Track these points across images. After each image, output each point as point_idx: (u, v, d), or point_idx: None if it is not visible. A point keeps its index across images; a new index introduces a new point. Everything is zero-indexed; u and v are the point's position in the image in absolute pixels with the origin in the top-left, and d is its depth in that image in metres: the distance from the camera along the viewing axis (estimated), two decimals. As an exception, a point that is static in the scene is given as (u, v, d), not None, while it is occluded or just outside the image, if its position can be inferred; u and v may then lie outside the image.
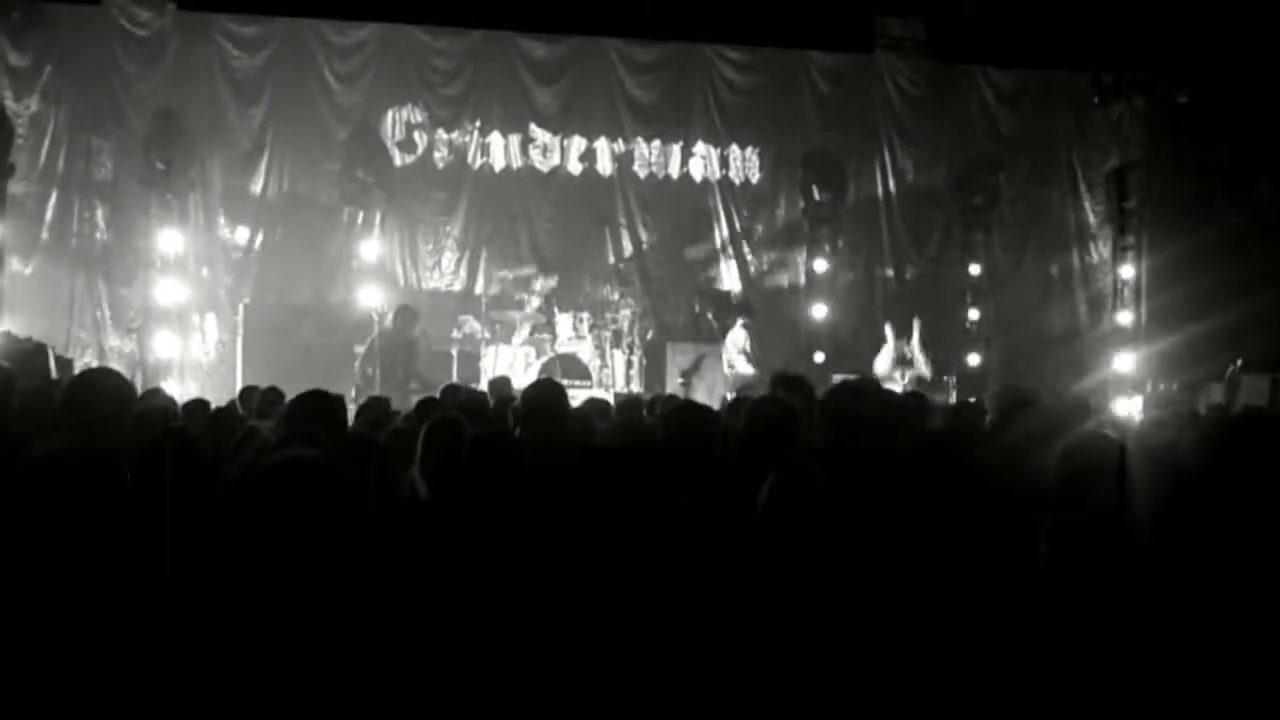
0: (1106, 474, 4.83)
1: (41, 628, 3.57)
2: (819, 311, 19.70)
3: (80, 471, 3.86)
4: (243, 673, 3.45)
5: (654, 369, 18.29)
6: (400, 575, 4.50)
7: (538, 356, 17.72)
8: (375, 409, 9.85)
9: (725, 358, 18.23)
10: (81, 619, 3.60)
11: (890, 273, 20.75)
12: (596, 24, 19.16)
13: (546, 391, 7.16)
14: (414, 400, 12.84)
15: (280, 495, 3.64)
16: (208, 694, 3.46)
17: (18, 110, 17.48)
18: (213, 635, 3.50)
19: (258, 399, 9.77)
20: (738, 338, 18.41)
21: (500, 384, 12.96)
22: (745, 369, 17.88)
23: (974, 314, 20.15)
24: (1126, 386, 19.10)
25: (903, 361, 18.48)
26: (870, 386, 6.46)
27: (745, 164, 20.54)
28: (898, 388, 16.98)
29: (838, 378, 15.95)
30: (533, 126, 19.92)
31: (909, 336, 18.59)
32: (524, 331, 18.05)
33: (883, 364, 18.36)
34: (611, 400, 13.00)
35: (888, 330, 18.64)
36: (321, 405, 6.06)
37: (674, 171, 20.39)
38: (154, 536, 3.98)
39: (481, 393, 12.07)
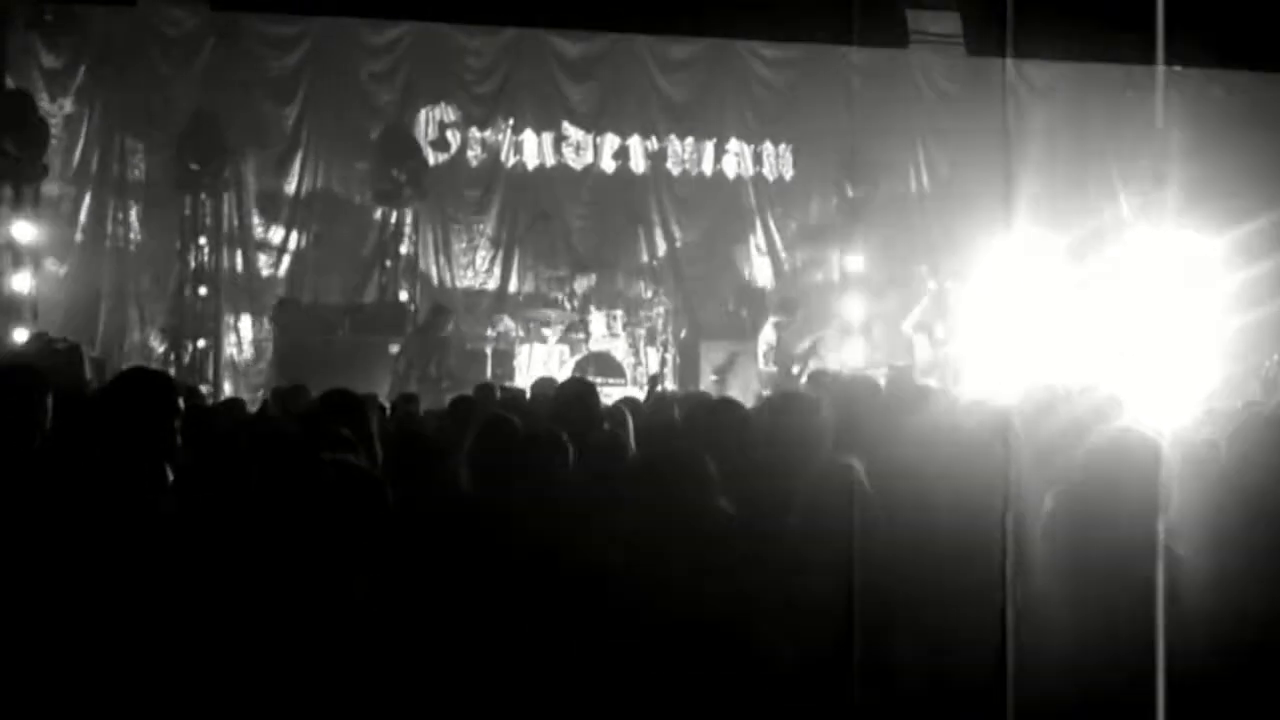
0: (1140, 474, 4.76)
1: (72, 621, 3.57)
2: (854, 309, 19.59)
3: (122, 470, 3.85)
4: (271, 666, 3.43)
5: (688, 367, 18.25)
6: (436, 570, 4.48)
7: (572, 355, 17.70)
8: (408, 406, 9.86)
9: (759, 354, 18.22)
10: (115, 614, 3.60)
11: (925, 269, 20.66)
12: (629, 21, 19.15)
13: (575, 391, 7.12)
14: (447, 399, 12.84)
15: (307, 497, 3.62)
16: (236, 687, 3.45)
17: (52, 111, 17.54)
18: (241, 634, 3.48)
19: (280, 399, 9.79)
20: (767, 336, 18.38)
21: (545, 384, 12.95)
22: (769, 368, 17.80)
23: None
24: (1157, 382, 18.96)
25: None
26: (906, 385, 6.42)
27: (779, 161, 20.49)
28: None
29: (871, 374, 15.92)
30: (566, 124, 19.90)
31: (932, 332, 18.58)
32: (558, 330, 18.03)
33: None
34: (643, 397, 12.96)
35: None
36: (347, 404, 6.05)
37: (707, 169, 20.34)
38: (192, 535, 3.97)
39: (519, 390, 12.07)
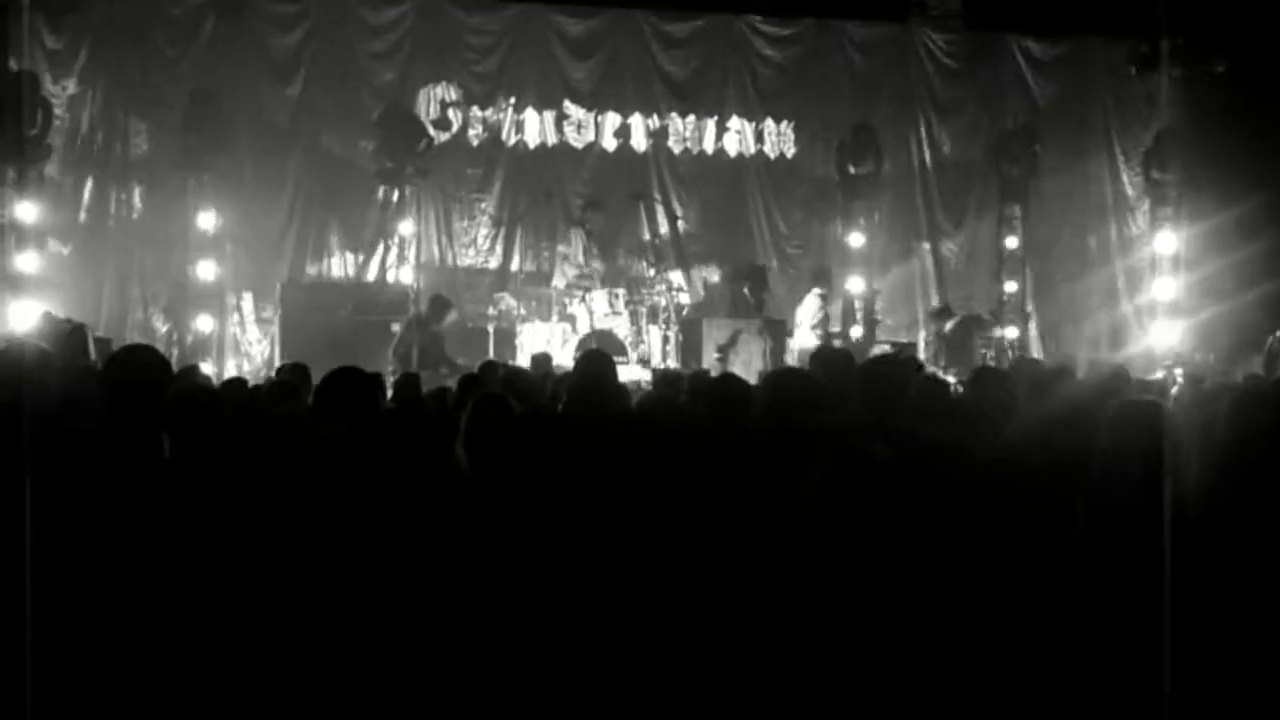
0: (1154, 442, 4.82)
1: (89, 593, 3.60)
2: (855, 285, 19.58)
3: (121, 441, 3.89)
4: (280, 645, 3.46)
5: (690, 345, 18.28)
6: (443, 550, 4.51)
7: (574, 332, 17.73)
8: (411, 386, 9.89)
9: (798, 325, 18.42)
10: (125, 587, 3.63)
11: (927, 246, 20.68)
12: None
13: (594, 363, 7.11)
14: (450, 383, 12.89)
15: (318, 472, 3.66)
16: (241, 664, 3.49)
17: (55, 92, 17.52)
18: (250, 609, 3.52)
19: (280, 377, 9.81)
20: (810, 307, 18.51)
21: (541, 360, 13.00)
22: (810, 341, 17.84)
23: (1011, 286, 20.07)
24: (1165, 358, 19.00)
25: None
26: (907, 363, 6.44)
27: (780, 138, 20.49)
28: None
29: (875, 351, 16.00)
30: (567, 103, 19.90)
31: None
32: (560, 307, 18.06)
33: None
34: (647, 376, 12.99)
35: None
36: (351, 383, 6.06)
37: (709, 146, 20.34)
38: (189, 511, 4.00)
39: (522, 367, 12.12)
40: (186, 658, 3.51)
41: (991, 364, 17.15)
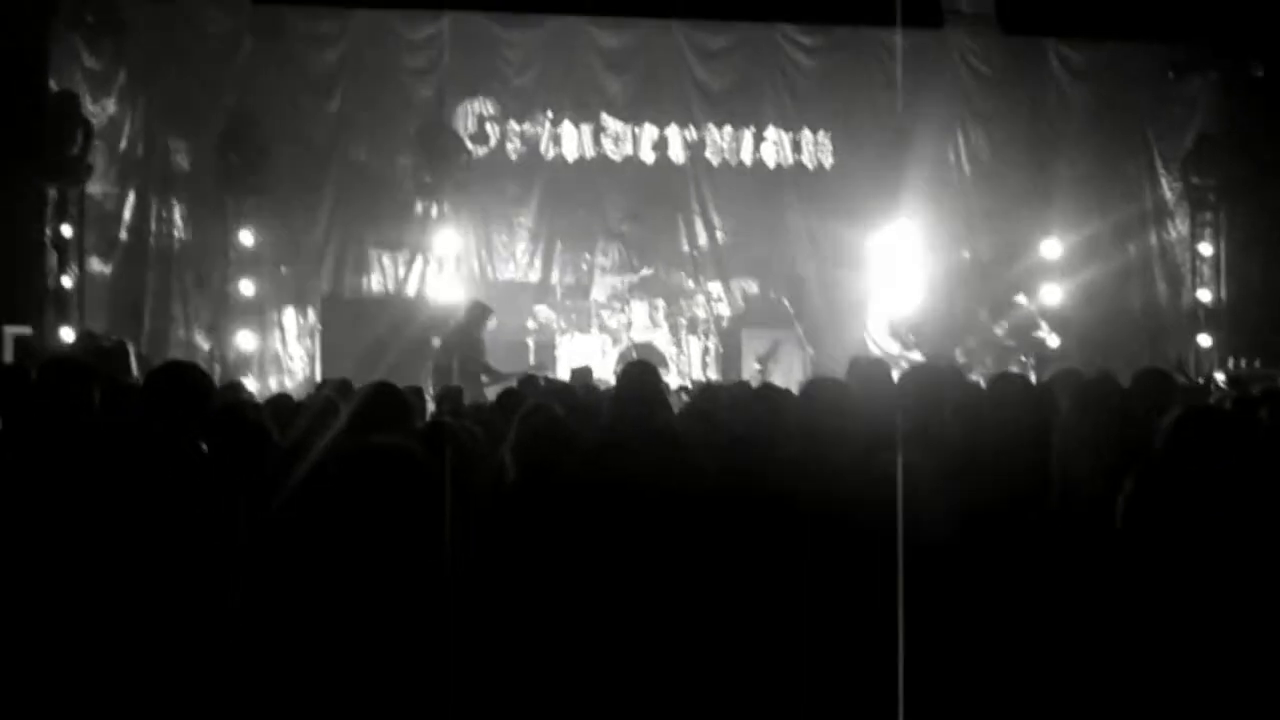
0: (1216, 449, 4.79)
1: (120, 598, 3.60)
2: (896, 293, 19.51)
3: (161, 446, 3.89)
4: (324, 655, 3.46)
5: (730, 356, 18.26)
6: (487, 560, 4.51)
7: (613, 345, 17.75)
8: (453, 398, 9.90)
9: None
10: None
11: (967, 254, 20.58)
12: (665, 6, 19.14)
13: (637, 376, 7.09)
14: (490, 394, 12.92)
15: (367, 481, 3.65)
16: (280, 674, 3.48)
17: (95, 112, 17.62)
18: (295, 620, 3.51)
19: (325, 392, 9.84)
20: (875, 314, 18.65)
21: (581, 373, 13.02)
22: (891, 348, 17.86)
23: (1054, 293, 19.95)
24: (1207, 364, 18.90)
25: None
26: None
27: (818, 147, 20.44)
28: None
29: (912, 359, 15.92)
30: (604, 115, 19.92)
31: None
32: (599, 320, 18.08)
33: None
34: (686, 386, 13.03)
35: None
36: (389, 397, 6.07)
37: (746, 157, 20.32)
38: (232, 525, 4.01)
39: (563, 381, 12.12)
40: (226, 672, 3.51)
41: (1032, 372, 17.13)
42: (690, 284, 19.00)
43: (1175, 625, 4.38)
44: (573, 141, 19.89)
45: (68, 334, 16.18)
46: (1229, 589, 4.38)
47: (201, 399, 5.36)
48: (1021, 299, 19.08)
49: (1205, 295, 19.83)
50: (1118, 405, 6.03)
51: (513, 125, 19.73)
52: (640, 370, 7.19)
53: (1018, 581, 4.75)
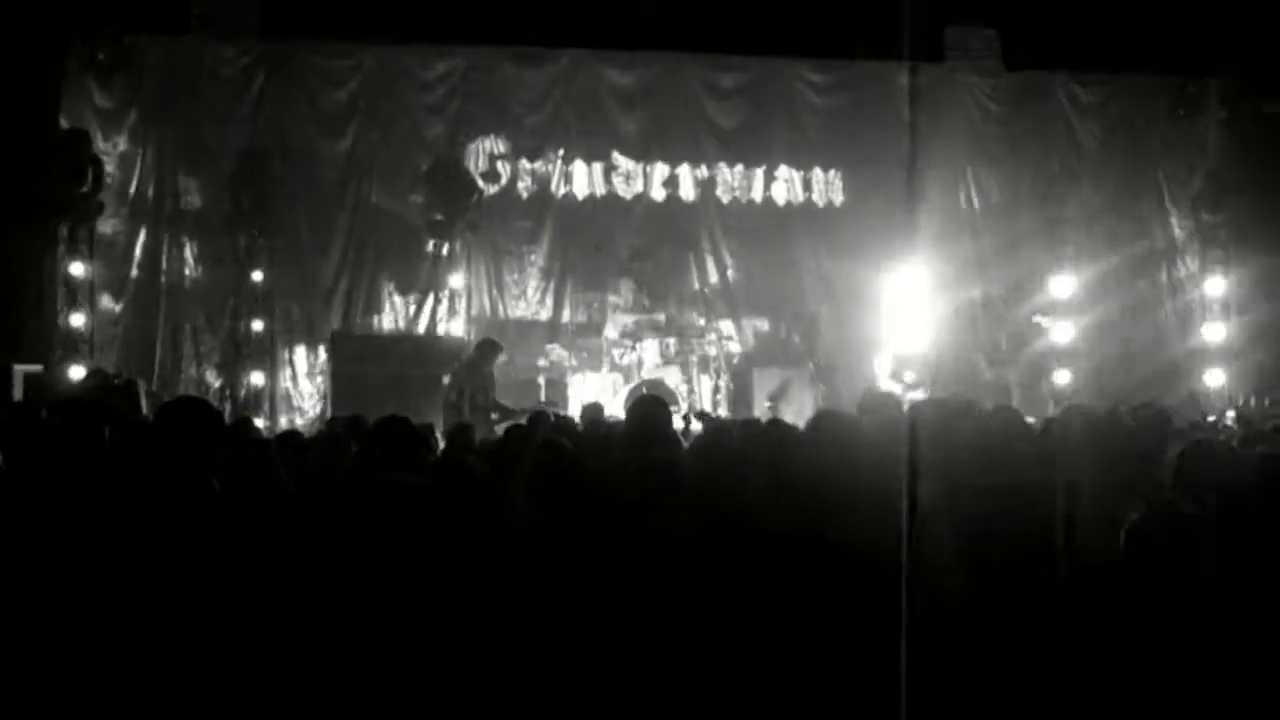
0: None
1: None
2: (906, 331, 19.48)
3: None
4: (341, 684, 3.44)
5: (741, 393, 18.23)
6: (502, 594, 4.49)
7: (625, 383, 17.73)
8: (465, 435, 9.88)
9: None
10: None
11: (977, 292, 20.54)
12: (674, 42, 19.11)
13: (646, 410, 7.07)
14: (499, 430, 12.90)
15: (383, 516, 3.63)
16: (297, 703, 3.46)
17: (106, 150, 17.68)
18: (309, 651, 3.49)
19: (335, 428, 9.84)
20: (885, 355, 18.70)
21: (592, 410, 12.99)
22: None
23: (1067, 331, 19.90)
24: (1218, 402, 18.85)
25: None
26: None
27: (828, 186, 20.42)
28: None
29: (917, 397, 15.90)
30: (615, 154, 19.92)
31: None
32: (610, 358, 18.07)
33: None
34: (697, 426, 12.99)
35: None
36: (401, 431, 6.07)
37: (757, 195, 20.30)
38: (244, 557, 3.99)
39: (570, 418, 12.10)
40: (242, 696, 3.49)
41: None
42: (701, 322, 18.97)
43: (1177, 655, 4.38)
44: (584, 179, 19.88)
45: (78, 372, 16.18)
46: (1230, 620, 4.38)
47: (211, 436, 5.35)
48: (1032, 333, 19.09)
49: (1215, 333, 19.78)
50: (1124, 443, 6.04)
51: (524, 163, 19.73)
52: (649, 404, 7.17)
53: (1025, 617, 4.74)
